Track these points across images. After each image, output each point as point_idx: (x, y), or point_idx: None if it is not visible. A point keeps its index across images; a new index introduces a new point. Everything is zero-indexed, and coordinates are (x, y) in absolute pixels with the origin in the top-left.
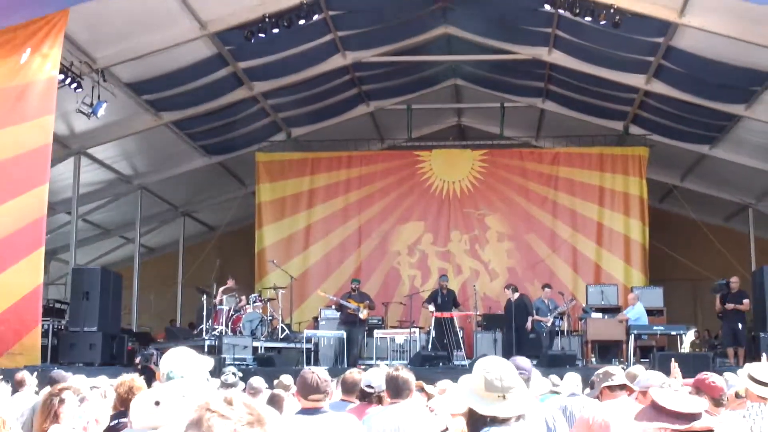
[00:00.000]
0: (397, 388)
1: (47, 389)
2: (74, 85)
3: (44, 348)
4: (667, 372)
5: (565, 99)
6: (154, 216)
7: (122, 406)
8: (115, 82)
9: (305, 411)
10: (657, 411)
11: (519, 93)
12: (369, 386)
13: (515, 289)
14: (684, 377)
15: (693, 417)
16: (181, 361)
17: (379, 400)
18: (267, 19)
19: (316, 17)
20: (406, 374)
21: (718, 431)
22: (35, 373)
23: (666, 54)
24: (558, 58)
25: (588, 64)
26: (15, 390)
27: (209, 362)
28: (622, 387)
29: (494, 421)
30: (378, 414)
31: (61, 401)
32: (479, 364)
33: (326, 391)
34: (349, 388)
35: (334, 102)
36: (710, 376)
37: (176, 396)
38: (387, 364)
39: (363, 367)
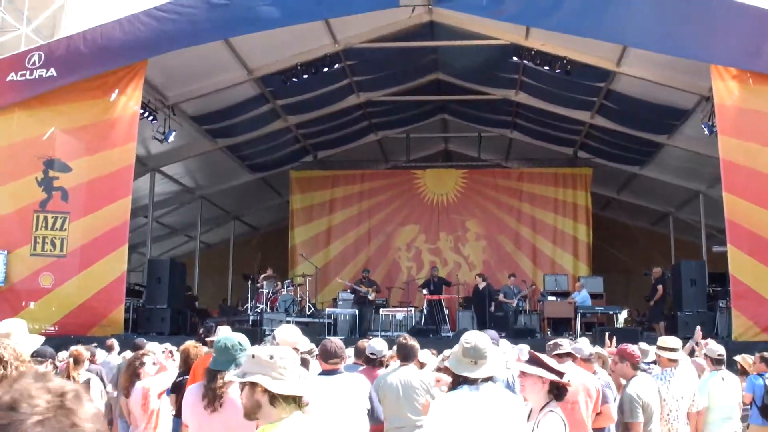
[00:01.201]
0: (405, 354)
1: (128, 353)
2: (151, 117)
3: (126, 321)
4: (603, 342)
5: (528, 130)
6: (211, 219)
7: (185, 365)
8: (182, 116)
9: (325, 372)
10: (537, 364)
11: (492, 125)
12: (372, 353)
13: (484, 278)
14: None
15: (560, 374)
16: (236, 335)
17: (381, 364)
18: (299, 67)
19: (336, 66)
20: (413, 342)
21: (572, 387)
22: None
23: (606, 95)
24: (523, 98)
25: (546, 102)
26: (107, 352)
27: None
28: (568, 354)
29: (466, 380)
30: (392, 373)
31: (142, 364)
32: (463, 336)
33: (342, 357)
34: (360, 353)
35: (350, 132)
36: (629, 347)
37: (267, 354)
38: (385, 336)
39: (371, 337)
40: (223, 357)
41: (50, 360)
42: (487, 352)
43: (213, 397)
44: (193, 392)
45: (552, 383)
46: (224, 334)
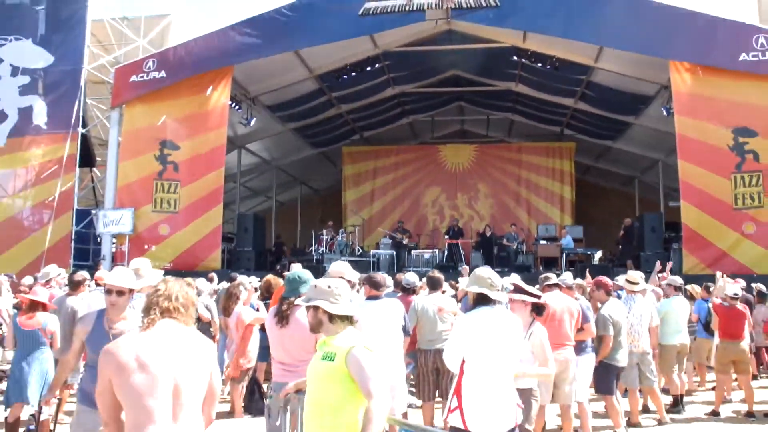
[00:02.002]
0: (433, 284)
1: (224, 283)
2: (237, 107)
3: (222, 260)
4: (583, 276)
5: (525, 113)
6: (283, 184)
7: (267, 293)
8: (260, 105)
9: (371, 297)
10: (519, 291)
11: (498, 110)
12: (407, 283)
13: (490, 228)
14: (592, 278)
15: (537, 296)
16: (304, 271)
17: (414, 292)
18: (348, 67)
19: (377, 65)
20: (439, 275)
21: (549, 305)
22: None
23: (587, 85)
24: (522, 88)
25: (539, 92)
26: (209, 283)
27: (355, 274)
28: (556, 285)
29: (484, 301)
30: (423, 299)
31: (239, 291)
32: (485, 271)
33: (386, 286)
34: (397, 284)
35: (388, 116)
36: (603, 278)
37: (326, 284)
38: (416, 271)
39: (405, 272)
40: (289, 287)
41: None
42: (499, 282)
43: (281, 317)
44: (270, 313)
45: (533, 305)
46: (296, 269)
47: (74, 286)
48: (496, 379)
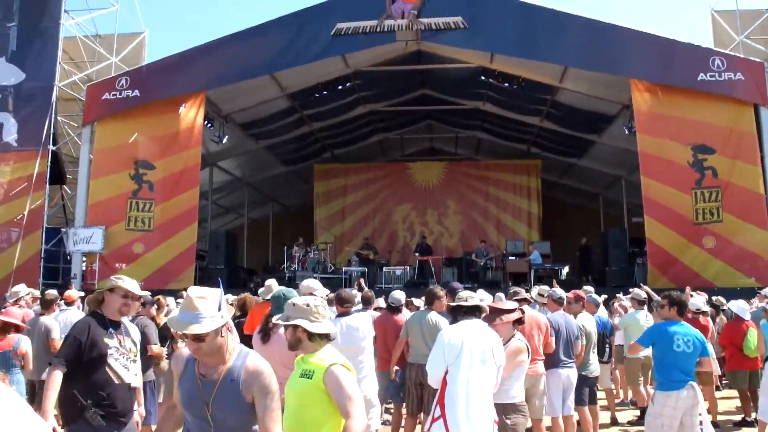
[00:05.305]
0: (430, 299)
1: None
2: (209, 124)
3: (195, 277)
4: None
5: (493, 131)
6: (254, 201)
7: (240, 311)
8: (232, 123)
9: (340, 314)
10: (494, 311)
11: (466, 128)
12: (393, 302)
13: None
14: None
15: (513, 310)
16: (289, 289)
17: (400, 311)
18: (320, 86)
19: (348, 84)
20: (440, 291)
21: (527, 324)
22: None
23: (552, 104)
24: (489, 107)
25: (506, 110)
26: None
27: (324, 291)
28: (524, 300)
29: (463, 313)
30: (418, 313)
31: None
32: (465, 292)
33: (353, 302)
34: (366, 300)
35: (358, 134)
36: (580, 292)
37: (304, 303)
38: (388, 288)
39: (375, 288)
40: (275, 305)
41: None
42: (477, 300)
43: (264, 334)
44: (257, 330)
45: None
46: (271, 283)
47: (46, 305)
48: (478, 389)
